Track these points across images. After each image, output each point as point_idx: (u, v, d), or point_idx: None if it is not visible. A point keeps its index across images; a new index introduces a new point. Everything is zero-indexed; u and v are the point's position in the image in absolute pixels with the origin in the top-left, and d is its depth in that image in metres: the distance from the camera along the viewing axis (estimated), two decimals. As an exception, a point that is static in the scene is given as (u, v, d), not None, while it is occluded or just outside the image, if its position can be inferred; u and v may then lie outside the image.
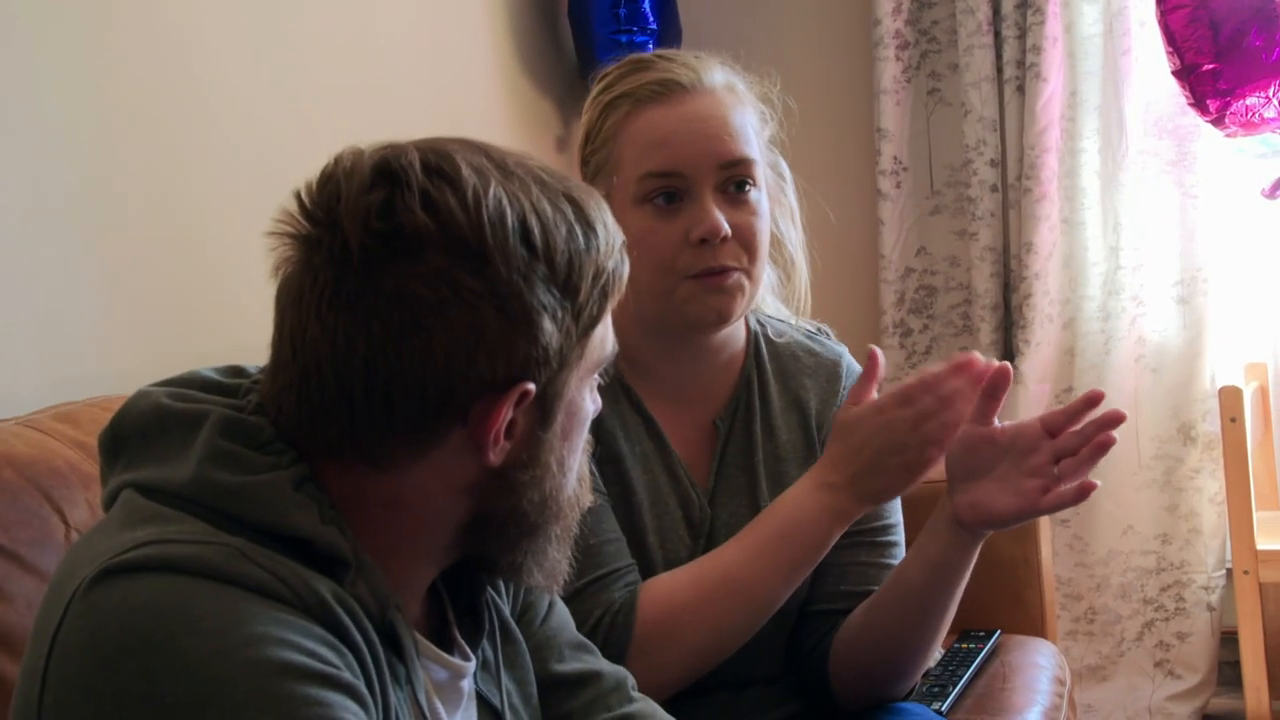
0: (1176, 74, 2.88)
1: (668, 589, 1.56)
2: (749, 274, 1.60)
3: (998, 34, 3.29)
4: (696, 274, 1.58)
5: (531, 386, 1.02)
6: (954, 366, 1.50)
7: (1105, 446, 1.45)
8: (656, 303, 1.59)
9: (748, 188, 1.60)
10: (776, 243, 1.69)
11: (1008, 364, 1.51)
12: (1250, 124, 2.86)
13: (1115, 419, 1.46)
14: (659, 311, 1.60)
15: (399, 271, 0.98)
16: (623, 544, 1.59)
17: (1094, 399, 1.49)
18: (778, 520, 1.56)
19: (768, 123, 1.67)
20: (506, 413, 1.02)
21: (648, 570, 1.61)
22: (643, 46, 3.03)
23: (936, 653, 2.29)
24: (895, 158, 3.42)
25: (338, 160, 1.04)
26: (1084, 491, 1.45)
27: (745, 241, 1.59)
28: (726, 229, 1.57)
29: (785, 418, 1.70)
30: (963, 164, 3.37)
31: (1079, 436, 1.47)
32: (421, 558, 1.09)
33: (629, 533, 1.62)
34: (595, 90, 1.66)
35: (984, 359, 1.50)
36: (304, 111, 2.30)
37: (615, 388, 1.64)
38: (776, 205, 1.68)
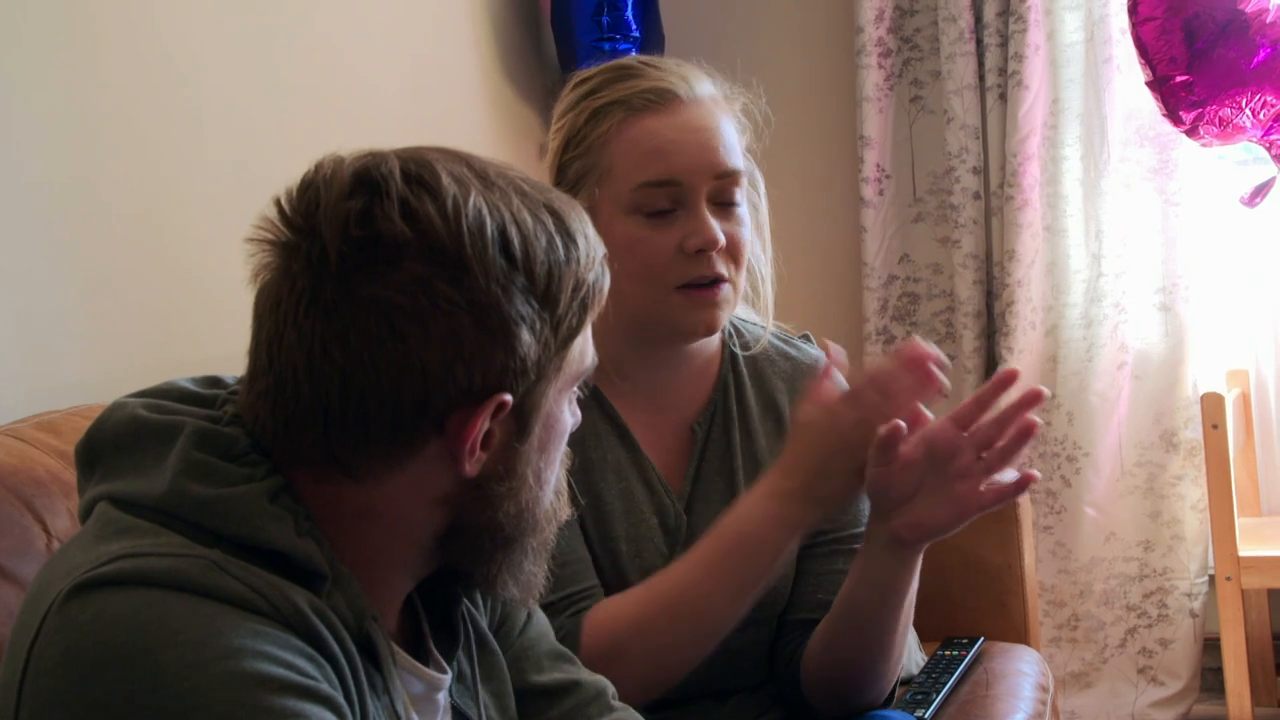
0: (1150, 85, 2.89)
1: (611, 614, 1.53)
2: (734, 284, 1.61)
3: (980, 42, 3.30)
4: (687, 284, 1.57)
5: (508, 398, 1.02)
6: (893, 359, 1.44)
7: (1028, 433, 1.40)
8: (642, 312, 1.59)
9: (737, 199, 1.61)
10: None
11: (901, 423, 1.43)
12: (1225, 134, 2.87)
13: (1034, 398, 1.41)
14: (644, 321, 1.60)
15: (377, 279, 0.98)
16: (583, 565, 1.58)
17: (1007, 380, 1.44)
18: (727, 536, 1.52)
19: (743, 132, 1.67)
20: (483, 423, 1.02)
21: (621, 578, 1.60)
22: (625, 54, 3.03)
23: (919, 659, 2.29)
24: (878, 165, 3.42)
25: (318, 167, 1.03)
26: (1023, 484, 1.41)
27: (733, 252, 1.59)
28: (723, 239, 1.57)
29: (762, 423, 1.70)
30: (945, 171, 3.37)
31: (997, 425, 1.42)
32: (397, 569, 1.08)
33: (601, 542, 1.61)
34: (575, 95, 1.65)
35: (925, 344, 1.43)
36: (288, 118, 2.30)
37: (587, 396, 1.64)
38: (753, 213, 1.68)
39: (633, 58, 1.70)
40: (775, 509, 1.50)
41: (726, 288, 1.59)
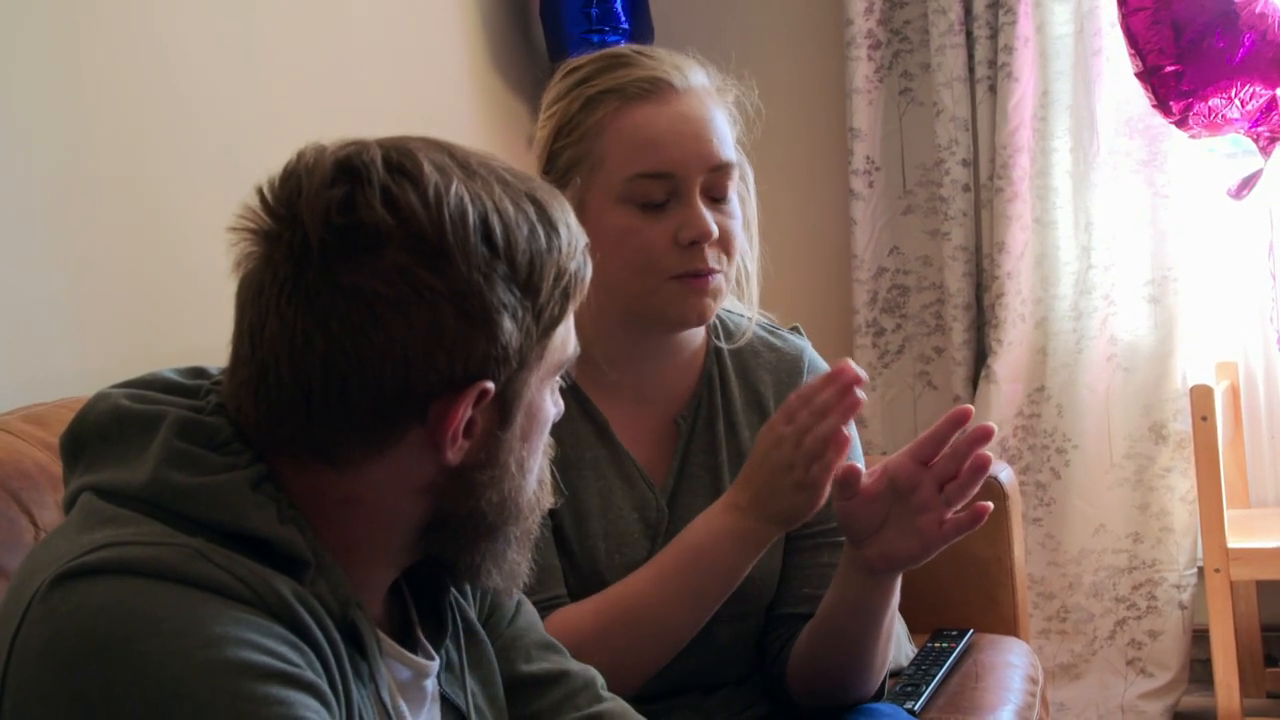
0: (1139, 76, 2.90)
1: (568, 621, 1.52)
2: (725, 276, 1.60)
3: (969, 34, 3.30)
4: (680, 275, 1.57)
5: (490, 385, 1.02)
6: (825, 377, 1.46)
7: (982, 468, 1.41)
8: (634, 301, 1.58)
9: (729, 192, 1.60)
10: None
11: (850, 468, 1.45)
12: (1214, 125, 2.87)
13: (984, 435, 1.41)
14: (636, 310, 1.59)
15: (358, 267, 0.98)
16: (549, 573, 1.56)
17: (959, 418, 1.43)
18: (684, 547, 1.53)
19: (734, 124, 1.67)
20: (465, 411, 1.02)
21: (598, 577, 1.60)
22: (615, 45, 3.03)
23: (909, 650, 2.29)
24: (868, 157, 3.42)
25: (300, 156, 1.03)
26: (976, 516, 1.42)
27: (725, 244, 1.59)
28: (716, 231, 1.56)
29: (746, 415, 1.70)
30: (935, 163, 3.37)
31: (954, 459, 1.42)
32: (381, 557, 1.08)
33: (579, 541, 1.61)
34: (567, 83, 1.63)
35: (856, 367, 1.45)
36: (276, 109, 2.30)
37: (564, 392, 1.63)
38: (741, 207, 1.67)
39: (626, 47, 1.69)
40: (729, 523, 1.51)
41: (718, 278, 1.59)
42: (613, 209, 1.57)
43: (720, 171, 1.59)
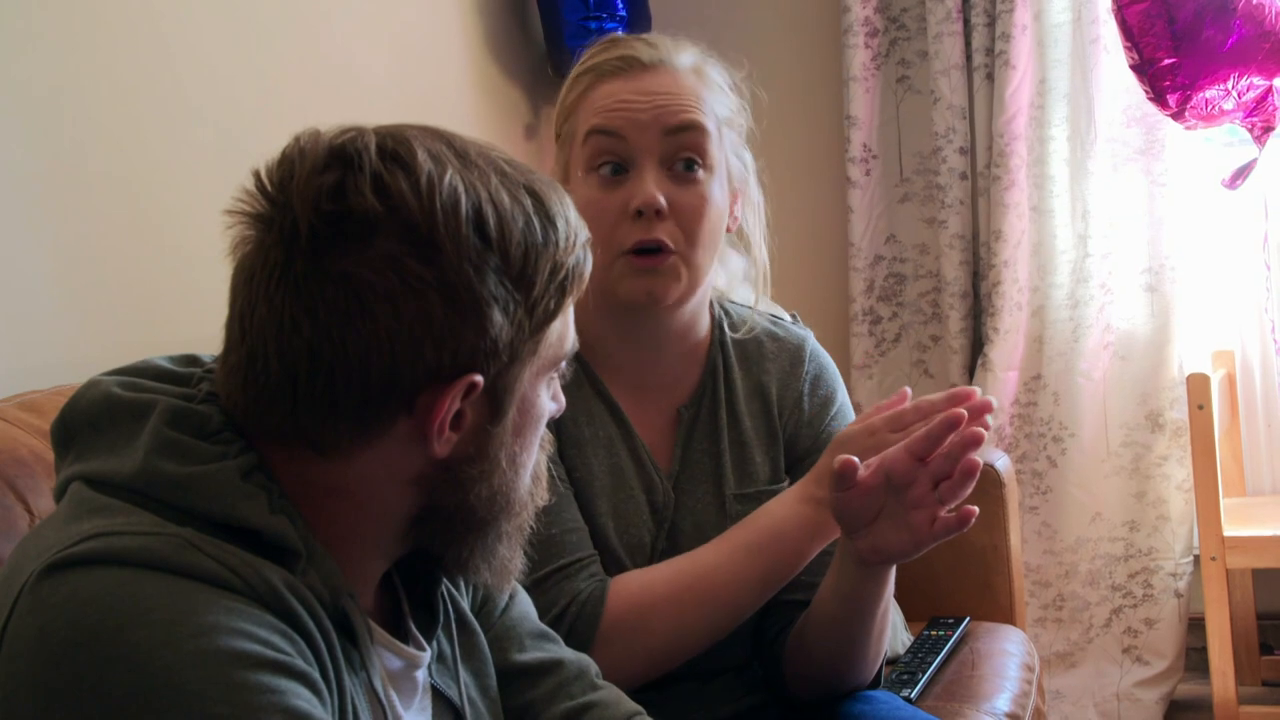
0: (1135, 68, 2.88)
1: (640, 584, 1.56)
2: (686, 258, 1.58)
3: (967, 21, 3.30)
4: (631, 249, 1.56)
5: (479, 379, 1.01)
6: (949, 397, 1.46)
7: (971, 473, 1.39)
8: (598, 280, 1.56)
9: (696, 168, 1.58)
10: (740, 233, 1.69)
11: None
12: (1210, 116, 2.86)
13: (974, 440, 1.39)
14: (602, 289, 1.58)
15: (347, 255, 0.97)
16: (585, 534, 1.59)
17: (954, 422, 1.40)
18: (757, 529, 1.57)
19: (738, 114, 1.66)
20: (452, 404, 1.01)
21: (606, 553, 1.60)
22: (612, 33, 3.02)
23: (905, 638, 2.30)
24: (865, 145, 3.42)
25: (297, 140, 1.03)
26: (964, 519, 1.41)
27: (685, 222, 1.57)
28: (662, 202, 1.55)
29: (749, 404, 1.70)
30: (932, 151, 3.37)
31: (949, 459, 1.40)
32: (371, 547, 1.08)
33: (588, 517, 1.61)
34: (574, 68, 1.67)
35: (980, 392, 1.45)
36: (274, 96, 2.29)
37: (578, 373, 1.64)
38: (741, 197, 1.67)
39: (624, 34, 1.71)
40: (807, 514, 1.56)
41: (674, 259, 1.57)
42: (582, 182, 1.59)
43: (680, 134, 1.58)
